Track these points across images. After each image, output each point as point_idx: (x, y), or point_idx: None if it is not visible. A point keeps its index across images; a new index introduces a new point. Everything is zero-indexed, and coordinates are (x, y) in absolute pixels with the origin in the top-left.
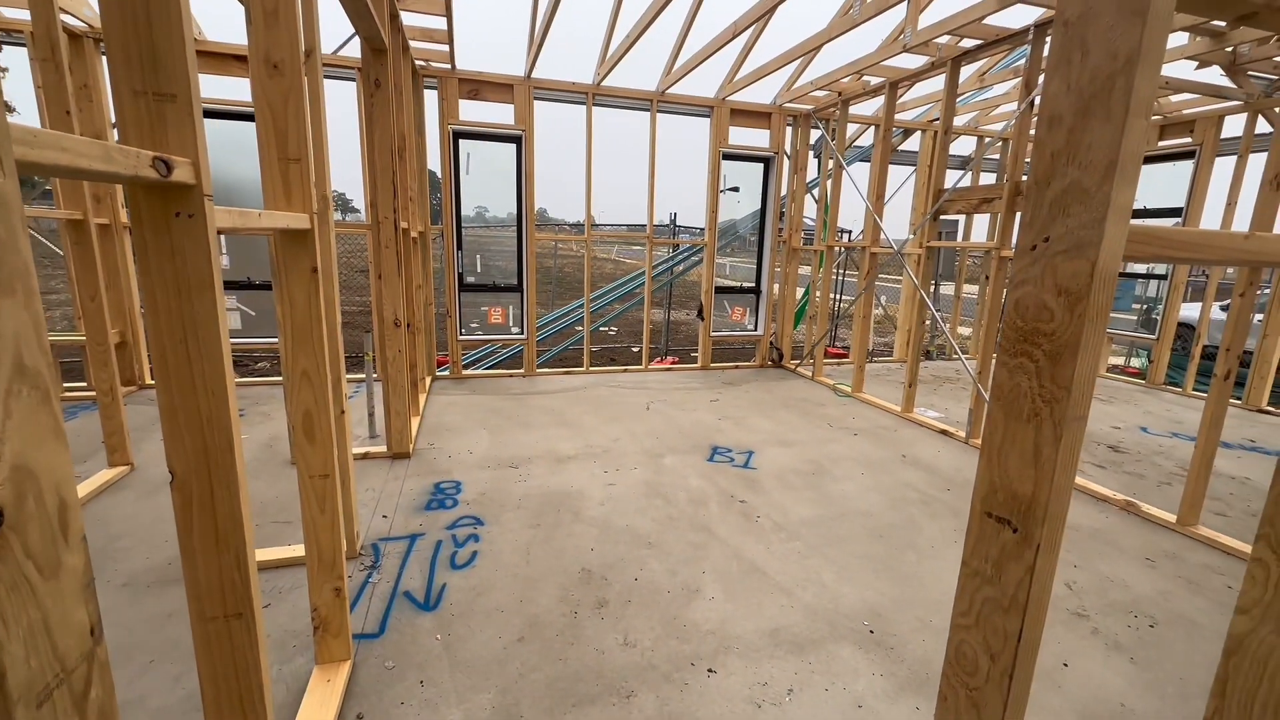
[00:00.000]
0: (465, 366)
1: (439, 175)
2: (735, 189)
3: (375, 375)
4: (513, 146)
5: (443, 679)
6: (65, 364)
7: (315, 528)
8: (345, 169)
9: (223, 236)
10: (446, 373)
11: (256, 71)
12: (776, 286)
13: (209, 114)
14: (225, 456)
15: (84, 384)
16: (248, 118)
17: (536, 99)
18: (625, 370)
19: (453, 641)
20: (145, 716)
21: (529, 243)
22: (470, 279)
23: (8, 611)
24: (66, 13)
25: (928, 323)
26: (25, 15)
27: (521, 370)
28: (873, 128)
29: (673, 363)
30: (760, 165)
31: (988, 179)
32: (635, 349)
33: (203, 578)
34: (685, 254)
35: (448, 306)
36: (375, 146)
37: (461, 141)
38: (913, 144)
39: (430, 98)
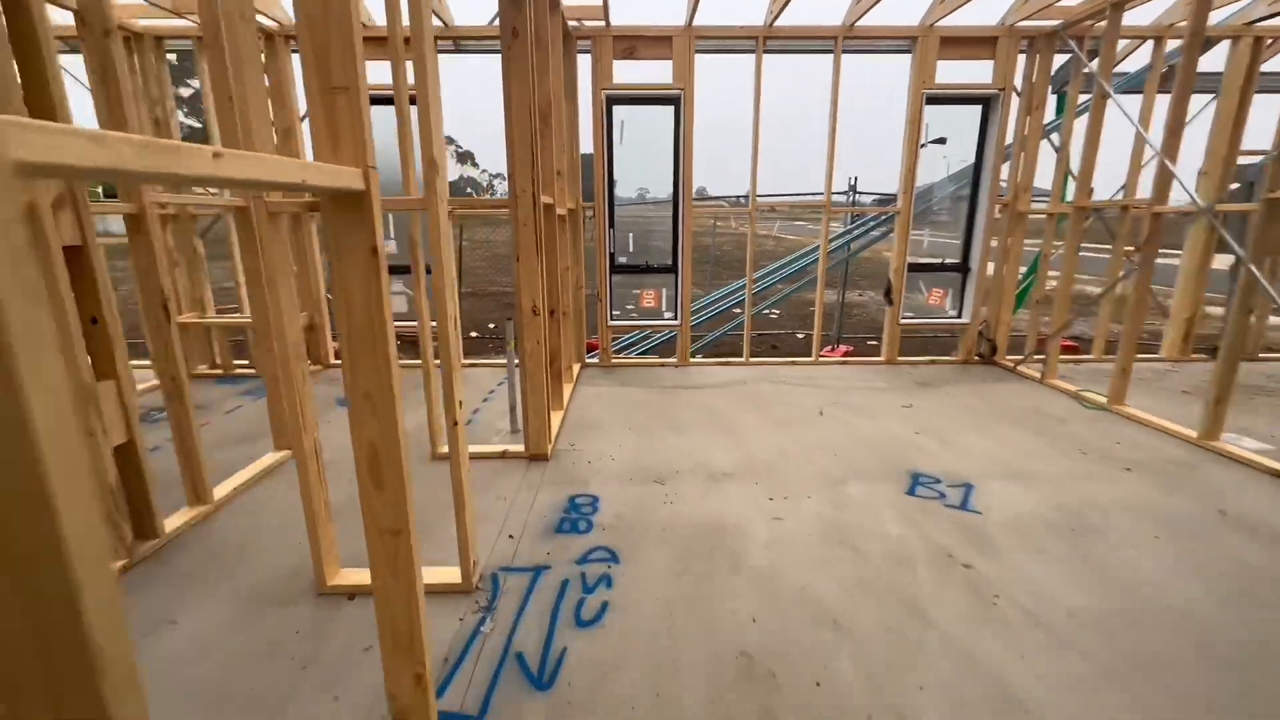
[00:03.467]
0: (616, 353)
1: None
2: (941, 140)
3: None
4: (669, 110)
5: None
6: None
7: (388, 598)
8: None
9: (390, 219)
10: (596, 359)
11: None
12: (991, 262)
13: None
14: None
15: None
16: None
17: (698, 51)
18: (791, 362)
19: None
20: None
21: (686, 218)
22: (622, 259)
23: None
24: (261, 13)
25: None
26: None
27: (674, 359)
28: (1150, 43)
29: (845, 353)
30: (976, 109)
31: None
32: (800, 335)
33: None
34: (869, 224)
35: (598, 289)
36: (512, 107)
37: (615, 108)
38: (1206, 62)
39: (583, 63)
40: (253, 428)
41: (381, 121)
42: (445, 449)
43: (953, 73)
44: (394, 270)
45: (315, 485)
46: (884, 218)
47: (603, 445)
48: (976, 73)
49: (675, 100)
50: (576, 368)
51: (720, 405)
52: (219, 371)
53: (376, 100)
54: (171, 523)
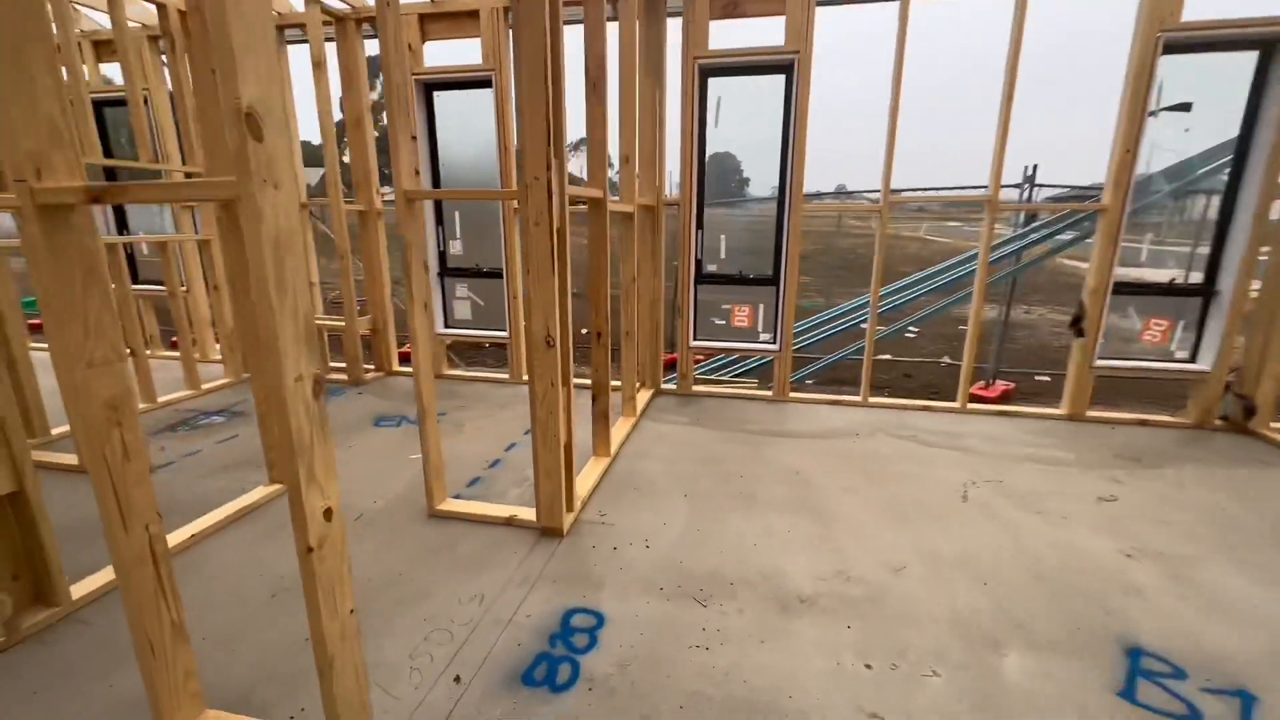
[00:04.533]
0: (701, 377)
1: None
2: (1184, 107)
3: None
4: (777, 82)
5: None
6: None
7: None
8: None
9: (457, 216)
10: (674, 385)
11: None
12: (1256, 283)
13: (445, 85)
14: None
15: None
16: (478, 85)
17: (820, 3)
18: (926, 407)
19: None
20: None
21: (793, 218)
22: (711, 267)
23: None
24: None
25: None
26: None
27: (770, 391)
28: None
29: (1003, 393)
30: (1249, 57)
31: None
32: (945, 362)
33: None
34: (1057, 224)
35: (679, 301)
36: (521, 63)
37: (711, 81)
38: None
39: (673, 28)
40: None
41: (469, 110)
42: (444, 505)
43: (1209, 7)
44: (460, 273)
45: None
46: (1072, 218)
47: (642, 519)
48: (1245, 3)
49: (787, 68)
50: (646, 396)
51: (815, 471)
52: None
53: (469, 84)
54: (82, 588)
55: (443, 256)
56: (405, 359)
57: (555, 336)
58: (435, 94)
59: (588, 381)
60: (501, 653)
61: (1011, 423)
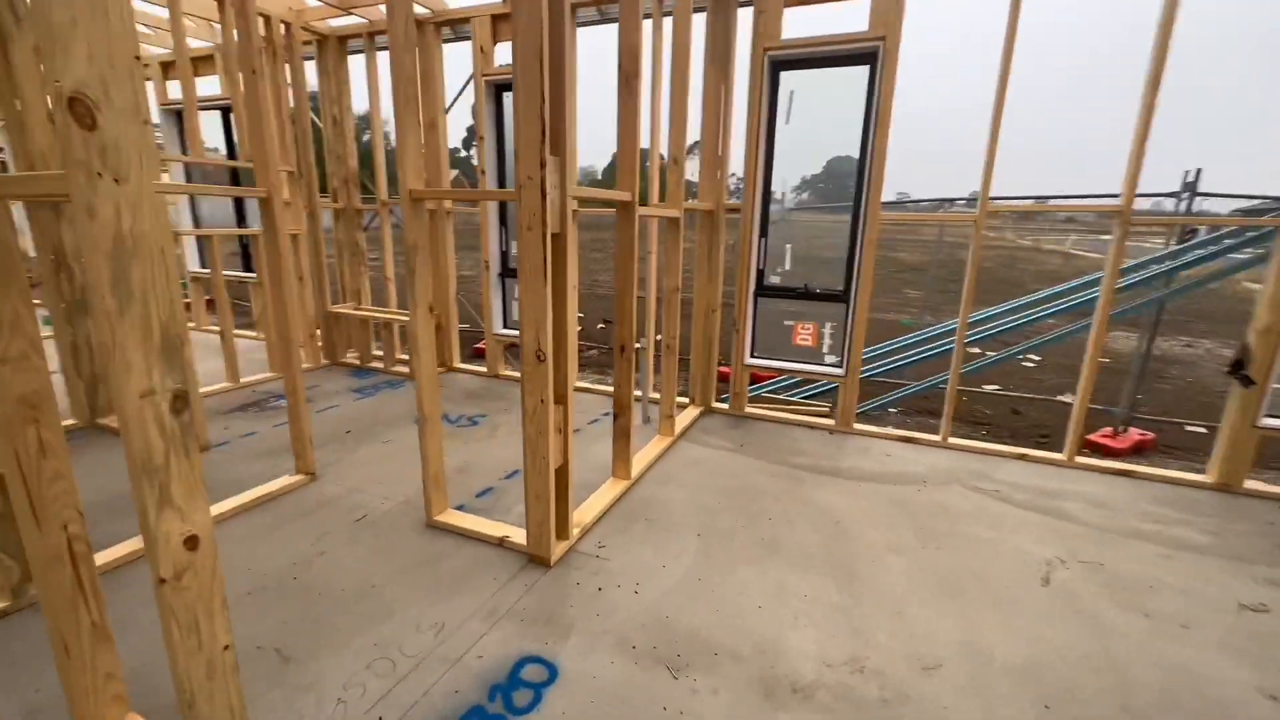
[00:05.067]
0: (756, 397)
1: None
2: None
3: (647, 392)
4: (859, 75)
5: None
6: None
7: None
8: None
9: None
10: (726, 404)
11: None
12: None
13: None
14: None
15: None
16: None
17: None
18: (1024, 455)
19: None
20: None
21: (869, 226)
22: (773, 279)
23: None
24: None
25: None
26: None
27: (833, 420)
28: None
29: (1137, 445)
30: None
31: None
32: (1066, 398)
33: None
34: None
35: (737, 315)
36: (516, 49)
37: (783, 75)
38: None
39: (743, 18)
40: (320, 433)
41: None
42: (443, 515)
43: None
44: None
45: None
46: (1247, 234)
47: (642, 556)
48: None
49: (870, 57)
50: (692, 414)
51: (860, 522)
52: (355, 362)
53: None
54: (101, 558)
55: (504, 257)
56: (478, 355)
57: (546, 350)
58: (505, 95)
59: (657, 397)
60: (437, 698)
61: (1134, 486)
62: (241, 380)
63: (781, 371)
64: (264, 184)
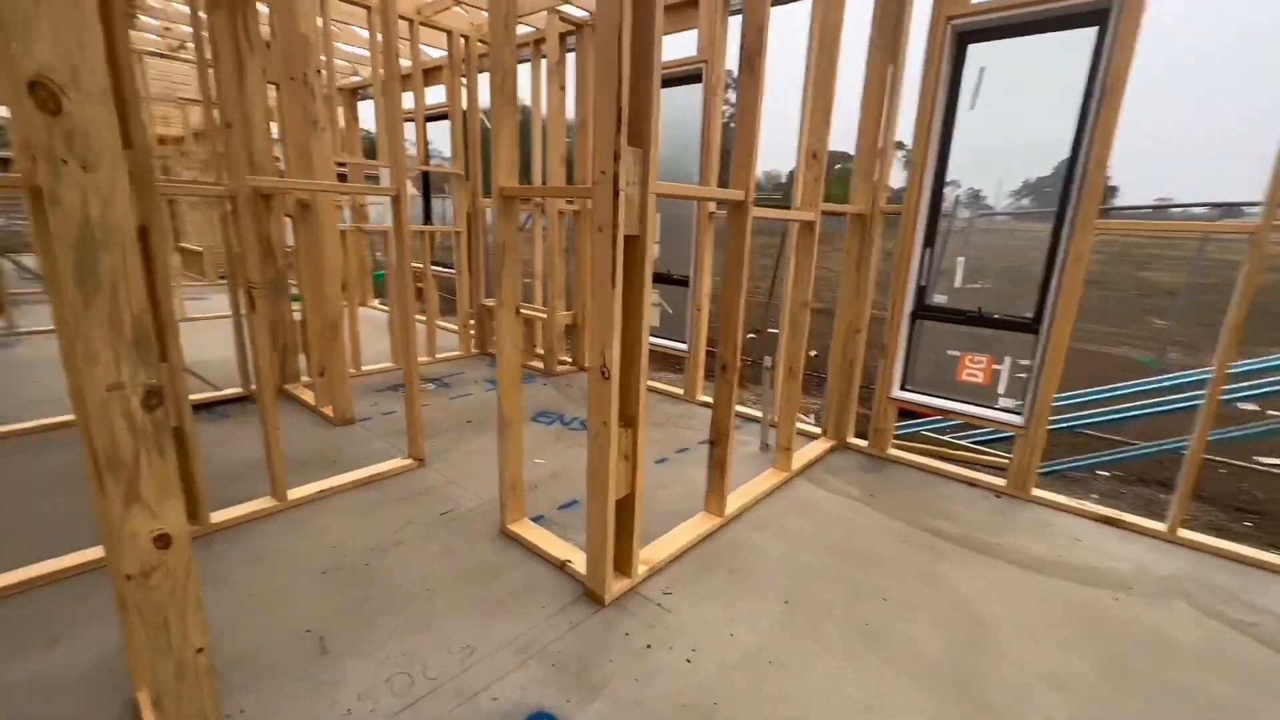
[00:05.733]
0: (904, 436)
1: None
2: None
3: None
4: (1079, 44)
5: None
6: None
7: None
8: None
9: (658, 219)
10: (865, 441)
11: None
12: None
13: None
14: None
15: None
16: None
17: None
18: None
19: None
20: None
21: (1076, 237)
22: (940, 297)
23: None
24: (569, 3)
25: None
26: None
27: (1003, 480)
28: None
29: None
30: None
31: None
32: None
33: None
34: None
35: (887, 337)
36: (598, 25)
37: (971, 49)
38: None
39: None
40: (445, 420)
41: (680, 106)
42: (516, 525)
43: None
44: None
45: None
46: None
47: (709, 616)
48: None
49: (1099, 15)
50: (821, 448)
51: (1010, 630)
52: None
53: (680, 79)
54: (218, 516)
55: None
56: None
57: (611, 367)
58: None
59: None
60: None
61: None
62: (399, 362)
63: (939, 412)
64: (394, 184)
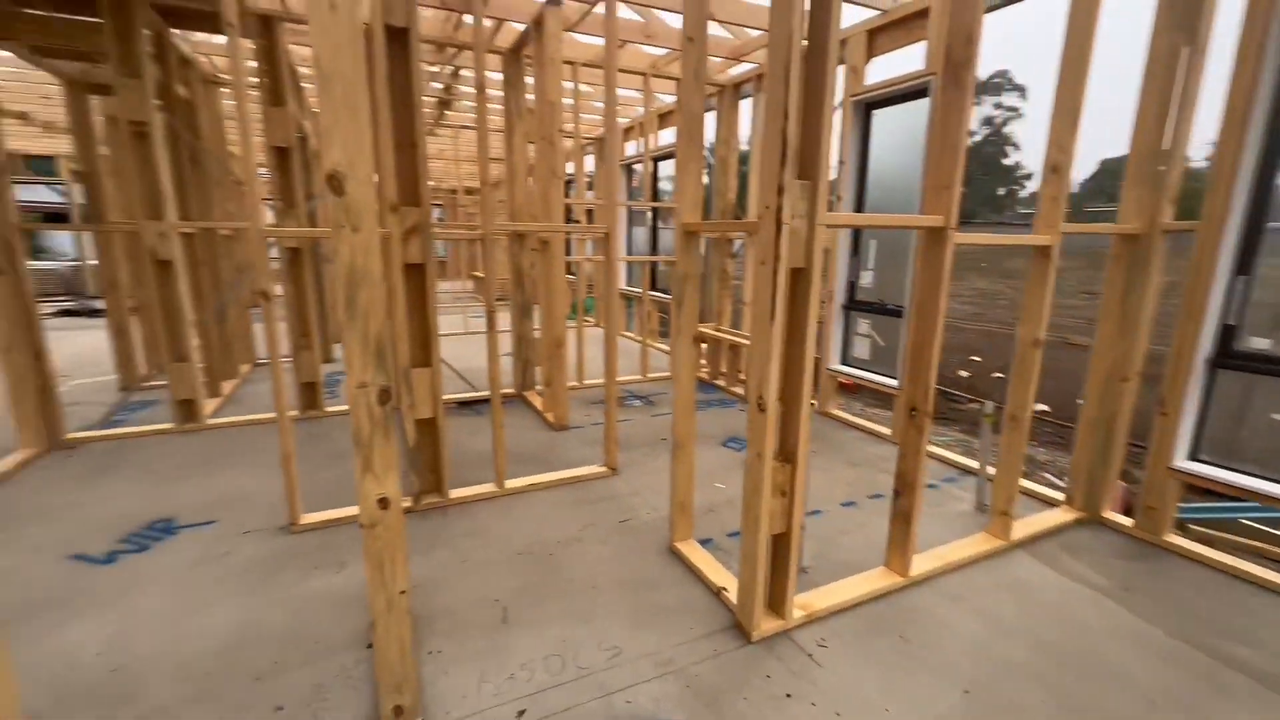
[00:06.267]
0: (1188, 519)
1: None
2: None
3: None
4: None
5: None
6: None
7: None
8: None
9: (873, 246)
10: (1129, 520)
11: None
12: None
13: (882, 101)
14: None
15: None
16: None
17: None
18: None
19: None
20: None
21: None
22: (1260, 343)
23: None
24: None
25: None
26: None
27: None
28: None
29: None
30: None
31: None
32: None
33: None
34: None
35: (1166, 390)
36: (771, 41)
37: None
38: None
39: None
40: (642, 434)
41: (905, 125)
42: (682, 544)
43: None
44: (865, 308)
45: None
46: None
47: (865, 681)
48: None
49: None
50: (1060, 518)
51: None
52: (704, 376)
53: (907, 95)
54: (456, 493)
55: (851, 287)
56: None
57: (767, 399)
58: (874, 112)
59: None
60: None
61: None
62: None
63: (1240, 494)
64: (604, 221)
